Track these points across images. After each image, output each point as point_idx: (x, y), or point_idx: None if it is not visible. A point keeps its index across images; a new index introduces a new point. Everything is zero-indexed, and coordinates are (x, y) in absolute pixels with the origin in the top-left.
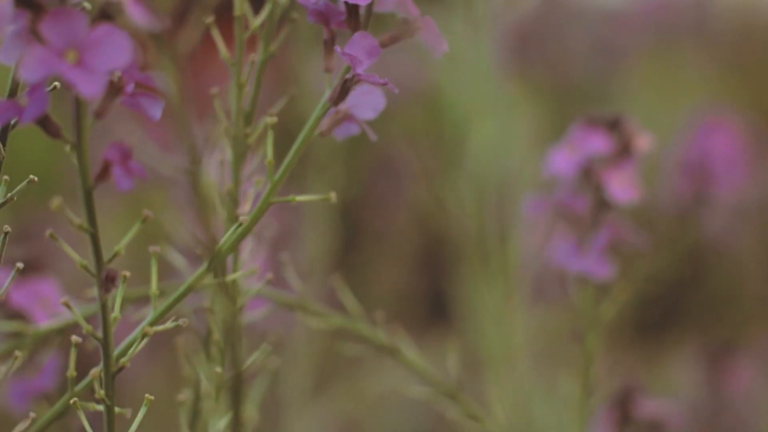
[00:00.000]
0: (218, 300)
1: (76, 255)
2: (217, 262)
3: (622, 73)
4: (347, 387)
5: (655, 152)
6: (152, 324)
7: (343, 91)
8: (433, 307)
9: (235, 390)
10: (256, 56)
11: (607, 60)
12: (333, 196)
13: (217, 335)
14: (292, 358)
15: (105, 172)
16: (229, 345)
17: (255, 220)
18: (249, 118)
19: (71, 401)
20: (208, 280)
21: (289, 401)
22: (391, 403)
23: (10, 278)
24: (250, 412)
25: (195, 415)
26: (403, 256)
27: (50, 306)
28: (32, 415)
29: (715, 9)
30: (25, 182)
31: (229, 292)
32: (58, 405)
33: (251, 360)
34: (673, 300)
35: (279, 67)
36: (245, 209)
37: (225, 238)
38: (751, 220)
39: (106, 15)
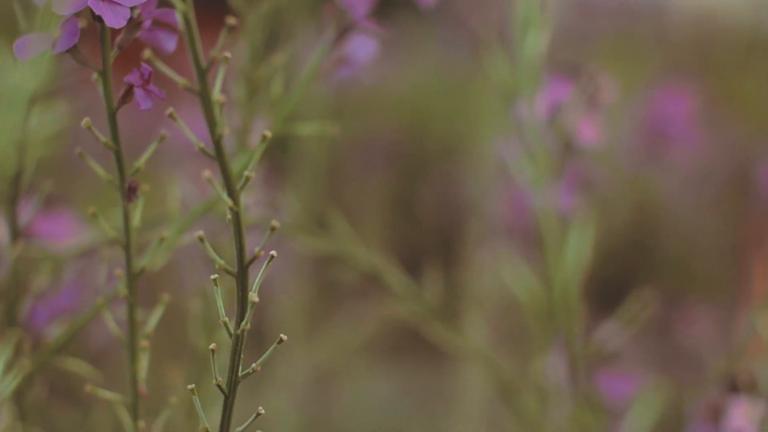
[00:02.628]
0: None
1: (102, 170)
2: (229, 181)
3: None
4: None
5: (615, 117)
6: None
7: (341, 34)
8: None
9: (242, 279)
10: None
11: (572, 43)
12: (331, 129)
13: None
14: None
15: (127, 94)
16: (238, 239)
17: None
18: (257, 60)
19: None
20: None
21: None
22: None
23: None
24: (253, 297)
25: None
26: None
27: (69, 233)
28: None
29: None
30: None
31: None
32: (88, 312)
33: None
34: (630, 256)
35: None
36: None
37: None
38: (705, 182)
39: None
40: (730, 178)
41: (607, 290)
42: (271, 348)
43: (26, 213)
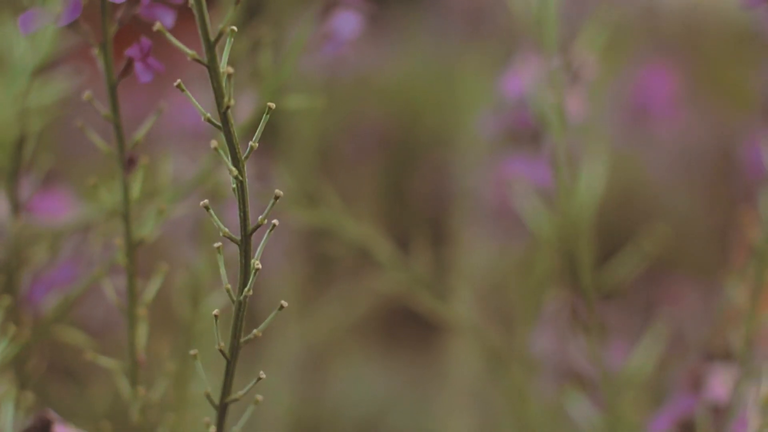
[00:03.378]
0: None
1: (102, 142)
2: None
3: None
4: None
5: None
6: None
7: (326, 11)
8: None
9: (246, 247)
10: None
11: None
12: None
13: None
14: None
15: (128, 68)
16: (242, 207)
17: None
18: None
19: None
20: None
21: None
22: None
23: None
24: (256, 264)
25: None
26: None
27: (65, 208)
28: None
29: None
30: None
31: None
32: (86, 281)
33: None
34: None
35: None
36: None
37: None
38: (688, 161)
39: None
40: (713, 158)
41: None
42: (271, 315)
43: (26, 188)
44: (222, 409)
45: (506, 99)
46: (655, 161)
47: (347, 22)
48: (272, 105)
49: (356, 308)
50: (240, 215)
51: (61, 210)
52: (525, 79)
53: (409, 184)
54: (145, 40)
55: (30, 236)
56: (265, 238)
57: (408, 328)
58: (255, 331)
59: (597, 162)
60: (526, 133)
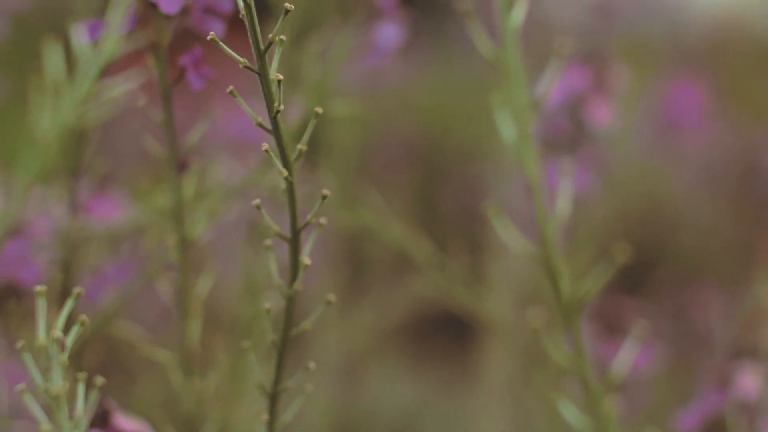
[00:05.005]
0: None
1: (157, 146)
2: (284, 153)
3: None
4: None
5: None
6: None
7: (368, 22)
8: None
9: (295, 243)
10: None
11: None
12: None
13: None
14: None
15: (181, 75)
16: (291, 206)
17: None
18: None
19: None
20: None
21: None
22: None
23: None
24: (305, 260)
25: None
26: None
27: (116, 211)
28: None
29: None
30: None
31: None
32: (141, 278)
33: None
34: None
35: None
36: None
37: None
38: (715, 172)
39: None
40: (738, 169)
41: (623, 275)
42: (318, 309)
43: (82, 190)
44: (274, 398)
45: (543, 108)
46: (681, 172)
47: (389, 34)
48: (320, 110)
49: (393, 313)
50: (290, 214)
51: (114, 212)
52: (563, 89)
53: (440, 196)
54: (198, 50)
55: (86, 236)
56: (313, 235)
57: (441, 333)
58: (304, 323)
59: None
60: (562, 142)
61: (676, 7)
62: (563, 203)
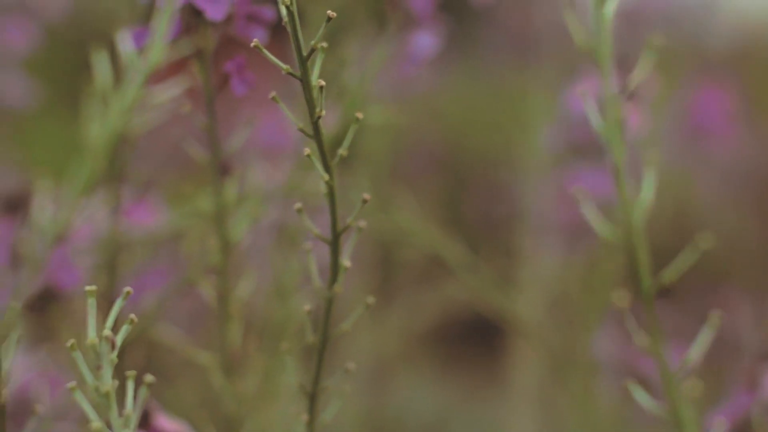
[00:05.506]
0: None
1: (200, 152)
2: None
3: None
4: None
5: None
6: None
7: (404, 31)
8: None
9: (335, 246)
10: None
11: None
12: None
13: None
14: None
15: (224, 81)
16: (332, 209)
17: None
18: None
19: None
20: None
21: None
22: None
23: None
24: (345, 262)
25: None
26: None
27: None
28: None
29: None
30: None
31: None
32: (182, 281)
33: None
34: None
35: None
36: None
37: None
38: (742, 177)
39: None
40: (762, 174)
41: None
42: (358, 311)
43: (125, 196)
44: (313, 398)
45: (570, 114)
46: (707, 177)
47: (424, 43)
48: (360, 115)
49: (423, 317)
50: (331, 217)
51: (151, 217)
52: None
53: (466, 203)
54: (241, 56)
55: (126, 241)
56: (353, 238)
57: (469, 339)
58: (343, 325)
59: (653, 174)
60: (589, 148)
61: (701, 13)
62: (647, 191)
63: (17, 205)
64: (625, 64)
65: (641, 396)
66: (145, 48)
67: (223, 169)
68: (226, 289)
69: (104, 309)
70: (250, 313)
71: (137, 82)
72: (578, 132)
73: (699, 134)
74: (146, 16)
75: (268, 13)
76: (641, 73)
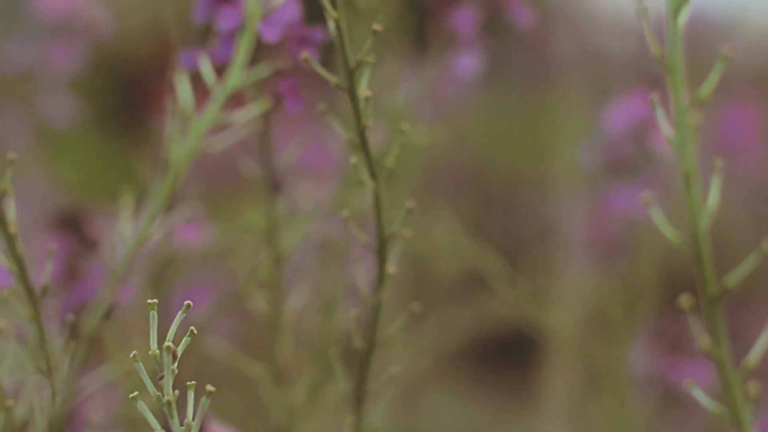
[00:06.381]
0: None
1: (254, 170)
2: (371, 166)
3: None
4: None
5: None
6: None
7: (447, 53)
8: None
9: (381, 253)
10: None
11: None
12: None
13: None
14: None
15: (279, 100)
16: (378, 217)
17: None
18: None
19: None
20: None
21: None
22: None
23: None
24: (391, 269)
25: None
26: None
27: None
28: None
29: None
30: None
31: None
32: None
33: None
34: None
35: None
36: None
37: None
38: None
39: None
40: None
41: (677, 295)
42: (401, 318)
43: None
44: (360, 400)
45: (608, 133)
46: (735, 194)
47: (466, 64)
48: (406, 126)
49: (455, 334)
50: (377, 225)
51: (196, 233)
52: (627, 115)
53: (495, 220)
54: (295, 77)
55: (175, 256)
56: (397, 247)
57: (501, 354)
58: (389, 330)
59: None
60: (625, 166)
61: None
62: (714, 199)
63: (72, 223)
64: (657, 82)
65: (700, 396)
66: (224, 72)
67: (275, 185)
68: (278, 303)
69: (147, 324)
70: (298, 324)
71: (216, 104)
72: (615, 151)
73: (727, 152)
74: (200, 36)
75: (318, 34)
76: (711, 83)
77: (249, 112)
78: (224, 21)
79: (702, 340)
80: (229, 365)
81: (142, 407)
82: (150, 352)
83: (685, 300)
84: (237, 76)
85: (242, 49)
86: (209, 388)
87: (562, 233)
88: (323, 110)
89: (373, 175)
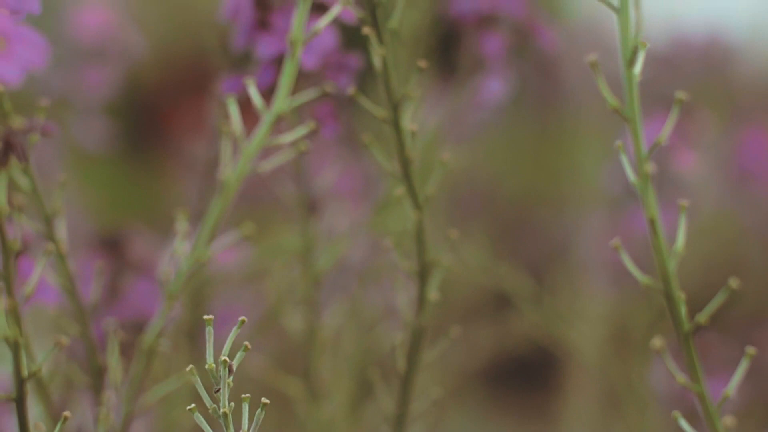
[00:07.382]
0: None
1: (290, 192)
2: (415, 197)
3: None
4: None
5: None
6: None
7: (475, 78)
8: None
9: (424, 278)
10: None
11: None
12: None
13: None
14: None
15: (317, 126)
16: (420, 245)
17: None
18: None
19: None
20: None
21: None
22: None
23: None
24: (434, 295)
25: None
26: None
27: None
28: None
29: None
30: None
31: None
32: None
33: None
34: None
35: None
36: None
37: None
38: None
39: (320, 8)
40: None
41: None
42: (444, 341)
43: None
44: (401, 420)
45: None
46: (752, 217)
47: (496, 88)
48: (447, 154)
49: (477, 355)
50: (418, 250)
51: (231, 255)
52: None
53: (513, 241)
54: (331, 103)
55: (211, 276)
56: (439, 273)
57: (522, 375)
58: (431, 353)
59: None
60: None
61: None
62: (680, 241)
63: (112, 244)
64: (666, 107)
65: (687, 428)
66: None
67: (311, 206)
68: (314, 321)
69: (185, 343)
70: (336, 343)
71: (265, 128)
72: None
73: (745, 175)
74: (240, 62)
75: (354, 61)
76: (668, 128)
77: (296, 135)
78: (264, 48)
79: (679, 377)
80: (266, 382)
81: (199, 419)
82: (207, 366)
83: (657, 342)
84: (283, 100)
85: (287, 75)
86: (264, 400)
87: (581, 253)
88: (367, 142)
89: (417, 206)
